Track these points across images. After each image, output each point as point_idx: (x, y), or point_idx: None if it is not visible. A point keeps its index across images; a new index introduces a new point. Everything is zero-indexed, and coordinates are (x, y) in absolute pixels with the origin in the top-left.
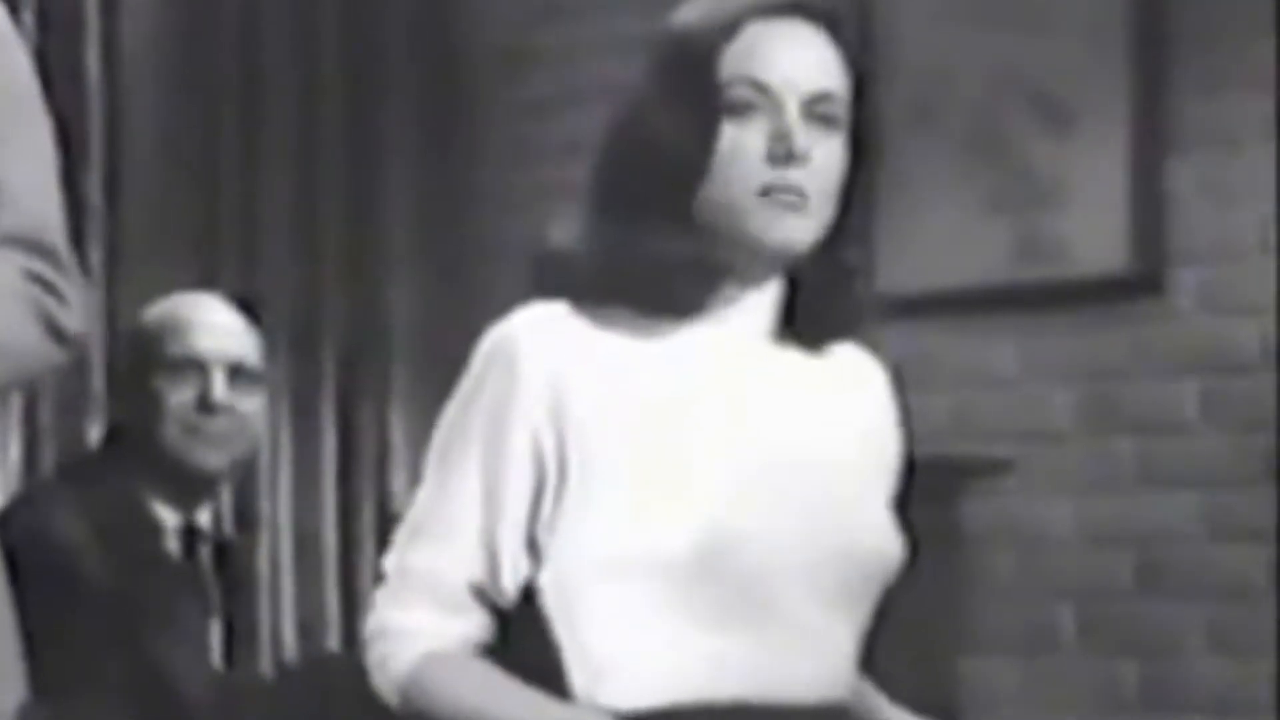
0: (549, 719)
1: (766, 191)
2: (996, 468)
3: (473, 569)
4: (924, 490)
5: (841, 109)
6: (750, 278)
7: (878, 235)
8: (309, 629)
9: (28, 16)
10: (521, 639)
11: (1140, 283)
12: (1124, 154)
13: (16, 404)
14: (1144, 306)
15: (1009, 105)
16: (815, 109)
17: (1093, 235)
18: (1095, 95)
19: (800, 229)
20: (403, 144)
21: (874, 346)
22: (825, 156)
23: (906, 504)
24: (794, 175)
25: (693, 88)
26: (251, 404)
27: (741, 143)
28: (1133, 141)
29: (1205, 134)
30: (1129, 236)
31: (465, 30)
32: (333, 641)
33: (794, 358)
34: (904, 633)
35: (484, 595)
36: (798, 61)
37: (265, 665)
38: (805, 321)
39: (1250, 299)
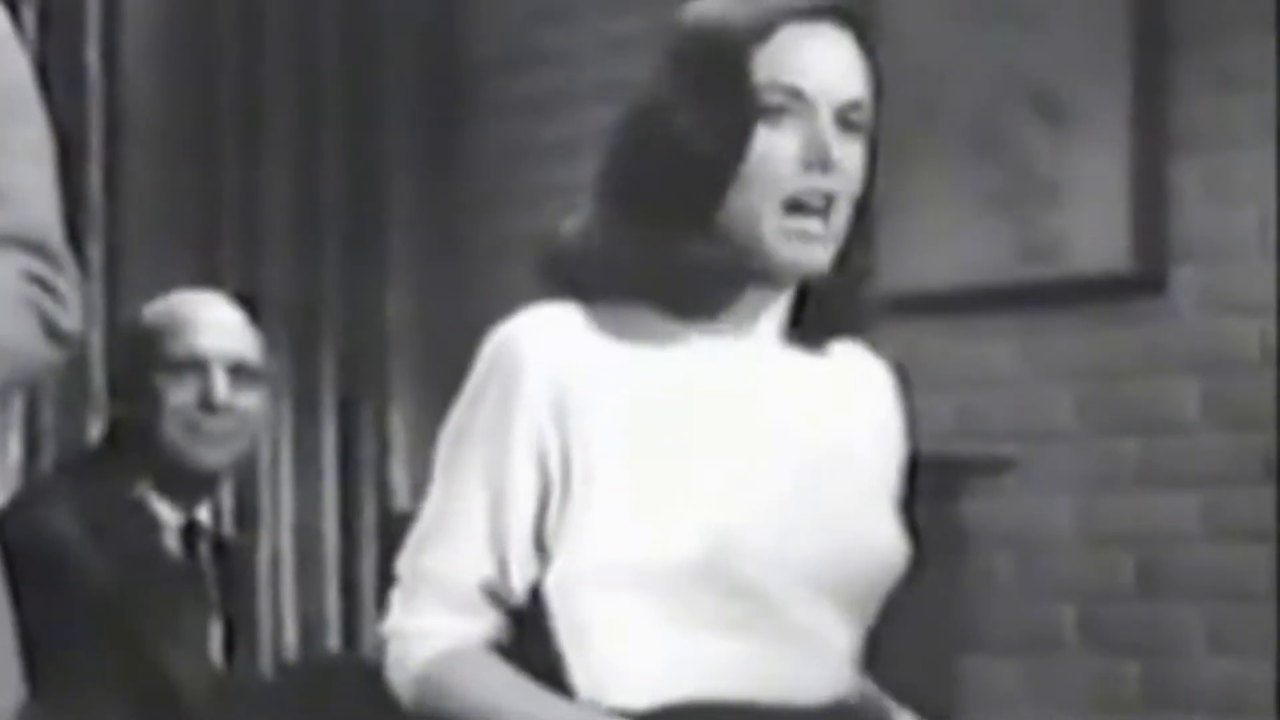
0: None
1: (796, 202)
2: (997, 467)
3: (483, 570)
4: (925, 489)
5: (868, 116)
6: (768, 285)
7: (879, 234)
8: (310, 628)
9: (28, 15)
10: (530, 638)
11: (1141, 282)
12: (1125, 153)
13: (18, 404)
14: (1145, 306)
15: (1010, 104)
16: (846, 116)
17: (1094, 234)
18: (1096, 94)
19: (819, 255)
20: (403, 143)
21: (879, 347)
22: (854, 164)
23: (908, 503)
24: (828, 184)
25: (725, 89)
26: (252, 402)
27: (774, 148)
28: (1134, 140)
29: (1206, 133)
30: (1130, 236)
31: (465, 30)
32: (333, 640)
33: (800, 359)
34: (905, 632)
35: (495, 595)
36: (831, 68)
37: (266, 664)
38: (813, 323)
39: (1251, 298)
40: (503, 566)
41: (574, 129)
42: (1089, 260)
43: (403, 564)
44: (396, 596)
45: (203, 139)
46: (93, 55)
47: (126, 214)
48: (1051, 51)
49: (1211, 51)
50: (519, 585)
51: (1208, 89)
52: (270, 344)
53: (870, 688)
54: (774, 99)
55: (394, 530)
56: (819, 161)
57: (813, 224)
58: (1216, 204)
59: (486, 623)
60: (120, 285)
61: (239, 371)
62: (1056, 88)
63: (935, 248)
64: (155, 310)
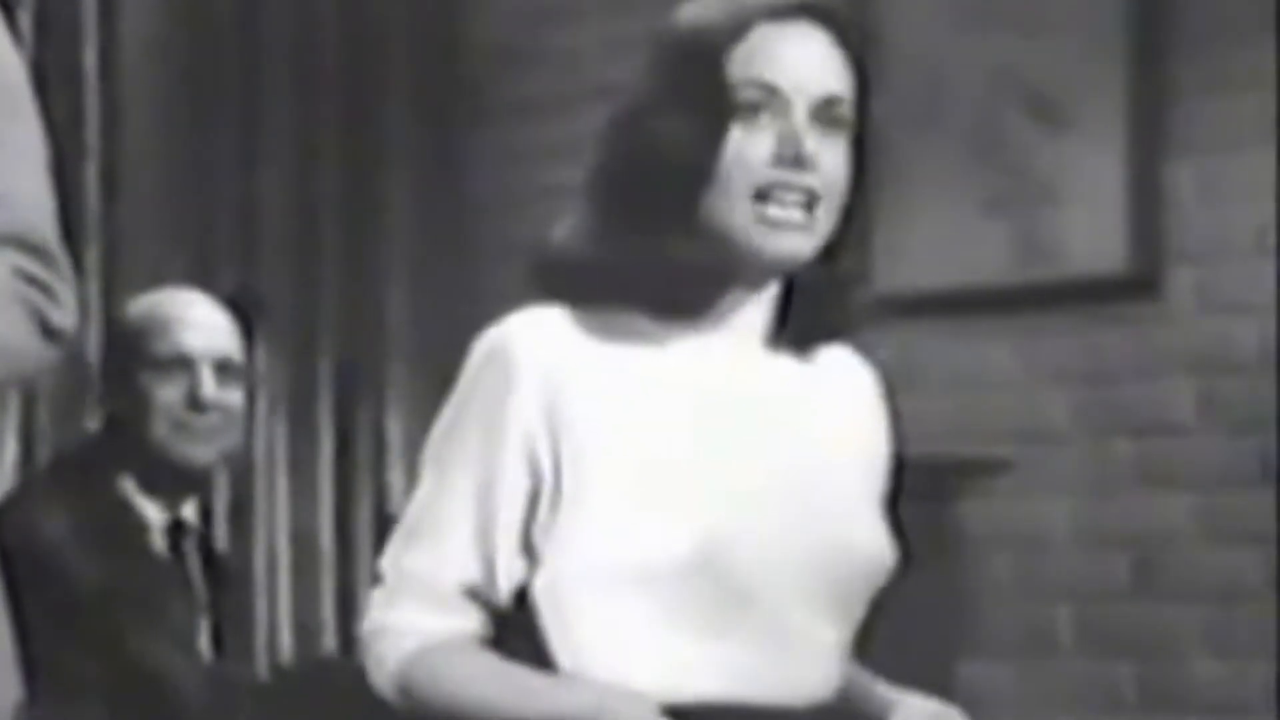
0: (552, 699)
1: (767, 192)
2: (994, 468)
3: (466, 570)
4: (921, 491)
5: (848, 112)
6: (751, 282)
7: (875, 235)
8: (305, 630)
9: (25, 18)
10: (514, 639)
11: (1138, 283)
12: (1122, 154)
13: (13, 404)
14: (1141, 307)
15: (1007, 105)
16: (823, 112)
17: (1090, 235)
18: (1093, 95)
19: (799, 244)
20: (401, 144)
21: (867, 350)
22: (833, 160)
23: (899, 505)
24: (803, 179)
25: (701, 88)
26: (237, 398)
27: (748, 145)
28: (1131, 142)
29: (1203, 134)
30: (1126, 237)
31: (465, 30)
32: (329, 642)
33: (786, 362)
34: (901, 634)
35: (478, 596)
36: (807, 64)
37: (261, 666)
38: (799, 325)
39: (1248, 299)
40: (488, 567)
41: (575, 130)
42: (1085, 262)
43: (387, 561)
44: (379, 594)
45: (200, 140)
46: (90, 58)
47: (123, 215)
48: (1048, 54)
49: (1207, 54)
50: (504, 586)
51: (1204, 91)
52: (267, 346)
53: (866, 680)
54: (749, 96)
55: (390, 533)
56: (791, 156)
57: (789, 213)
58: (1212, 206)
59: (469, 622)
60: (117, 286)
61: (224, 369)
62: (1053, 90)
63: (932, 249)
64: (139, 308)
